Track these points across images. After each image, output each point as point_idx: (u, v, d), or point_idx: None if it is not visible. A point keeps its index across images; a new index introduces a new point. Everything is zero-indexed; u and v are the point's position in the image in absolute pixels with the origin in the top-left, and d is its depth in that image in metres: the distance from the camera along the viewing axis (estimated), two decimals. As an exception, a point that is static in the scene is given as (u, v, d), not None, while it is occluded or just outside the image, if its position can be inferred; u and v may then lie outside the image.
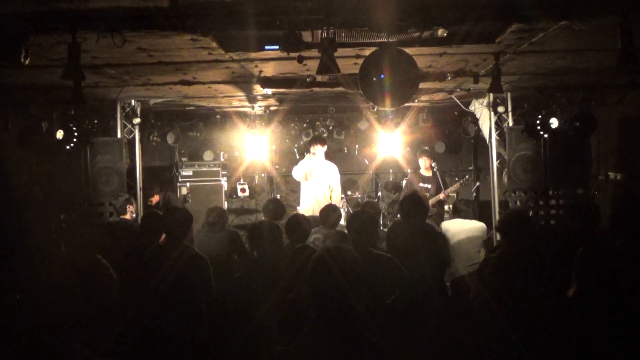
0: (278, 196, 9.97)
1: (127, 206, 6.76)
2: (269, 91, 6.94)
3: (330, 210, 5.82)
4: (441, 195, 8.23)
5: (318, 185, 7.91)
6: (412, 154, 9.76)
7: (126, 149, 7.92)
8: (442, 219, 7.80)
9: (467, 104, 8.35)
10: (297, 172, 8.07)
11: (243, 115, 9.50)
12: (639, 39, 3.88)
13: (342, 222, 6.31)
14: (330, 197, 7.79)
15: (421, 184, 8.51)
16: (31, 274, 1.96)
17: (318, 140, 8.19)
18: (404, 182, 9.38)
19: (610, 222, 3.08)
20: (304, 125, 10.30)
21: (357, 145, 10.65)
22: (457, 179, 9.17)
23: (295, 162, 8.78)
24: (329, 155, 8.51)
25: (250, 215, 10.87)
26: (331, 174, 8.04)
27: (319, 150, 7.98)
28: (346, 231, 4.99)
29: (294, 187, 9.12)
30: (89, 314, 1.97)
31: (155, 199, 8.69)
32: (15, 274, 1.99)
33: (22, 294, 1.94)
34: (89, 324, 1.98)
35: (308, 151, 8.10)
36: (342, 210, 7.53)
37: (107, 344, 2.24)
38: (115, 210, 7.03)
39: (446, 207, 8.52)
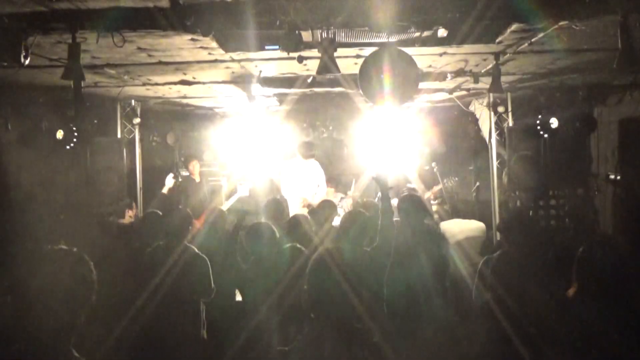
0: (278, 196, 9.94)
1: (126, 211, 6.76)
2: (269, 91, 6.93)
3: (326, 207, 5.85)
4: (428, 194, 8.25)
5: (304, 187, 7.90)
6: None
7: (126, 149, 7.92)
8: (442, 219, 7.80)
9: (467, 104, 8.35)
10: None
11: (243, 115, 9.50)
12: (639, 39, 3.88)
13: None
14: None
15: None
16: (29, 275, 1.94)
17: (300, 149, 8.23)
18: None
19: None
20: (304, 125, 10.29)
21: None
22: (456, 178, 9.15)
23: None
24: (328, 156, 8.49)
25: (250, 215, 10.83)
26: (315, 172, 8.06)
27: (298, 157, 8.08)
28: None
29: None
30: (74, 313, 1.96)
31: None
32: (14, 274, 1.97)
33: (16, 295, 1.92)
34: (76, 323, 1.97)
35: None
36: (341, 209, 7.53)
37: (99, 345, 2.23)
38: (115, 214, 7.04)
39: (445, 207, 8.51)
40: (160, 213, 5.31)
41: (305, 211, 6.96)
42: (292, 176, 7.98)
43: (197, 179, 8.76)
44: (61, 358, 1.93)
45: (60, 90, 6.18)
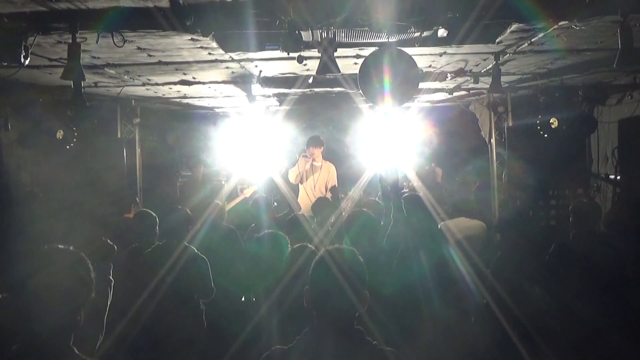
0: (277, 196, 9.94)
1: (132, 205, 6.78)
2: (269, 91, 6.93)
3: (326, 206, 5.86)
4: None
5: (315, 187, 7.73)
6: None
7: (126, 149, 7.92)
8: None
9: (467, 104, 8.35)
10: (291, 176, 7.95)
11: (243, 115, 9.51)
12: (639, 39, 3.88)
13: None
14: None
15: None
16: (28, 275, 1.95)
17: (313, 142, 7.83)
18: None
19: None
20: (304, 125, 10.30)
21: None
22: (456, 179, 9.17)
23: (296, 162, 8.73)
24: (327, 156, 8.35)
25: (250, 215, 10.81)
26: (329, 175, 7.85)
27: (315, 152, 7.73)
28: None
29: (295, 188, 9.12)
30: (73, 312, 1.96)
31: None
32: (14, 274, 1.98)
33: (15, 294, 1.92)
34: (76, 322, 1.98)
35: (305, 154, 7.87)
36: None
37: (98, 345, 2.23)
38: (120, 209, 7.03)
39: (445, 208, 8.50)
40: (152, 212, 5.28)
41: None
42: (297, 178, 7.81)
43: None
44: (62, 356, 1.93)
45: (60, 90, 6.18)
